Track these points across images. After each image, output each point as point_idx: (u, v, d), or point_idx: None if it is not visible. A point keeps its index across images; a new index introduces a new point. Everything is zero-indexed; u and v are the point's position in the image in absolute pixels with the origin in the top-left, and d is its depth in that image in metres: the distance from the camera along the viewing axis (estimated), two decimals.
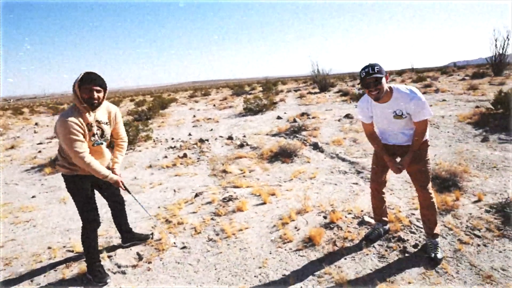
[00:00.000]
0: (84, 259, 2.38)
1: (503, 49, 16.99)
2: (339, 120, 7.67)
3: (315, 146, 5.56)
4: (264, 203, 3.40)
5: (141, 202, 3.64)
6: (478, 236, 2.44)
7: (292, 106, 12.00)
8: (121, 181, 2.27)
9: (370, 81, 1.96)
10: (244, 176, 4.48)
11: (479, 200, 3.01)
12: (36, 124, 14.67)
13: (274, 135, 6.73)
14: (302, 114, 8.88)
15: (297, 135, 6.41)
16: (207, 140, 6.78)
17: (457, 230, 2.54)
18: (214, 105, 15.56)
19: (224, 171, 4.71)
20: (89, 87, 1.96)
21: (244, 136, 6.90)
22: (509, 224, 2.52)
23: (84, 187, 2.20)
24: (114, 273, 2.38)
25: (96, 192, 2.39)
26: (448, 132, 5.70)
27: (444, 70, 28.14)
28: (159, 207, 3.66)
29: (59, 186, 4.80)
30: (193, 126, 9.24)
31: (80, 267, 2.46)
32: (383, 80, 1.97)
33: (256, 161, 5.08)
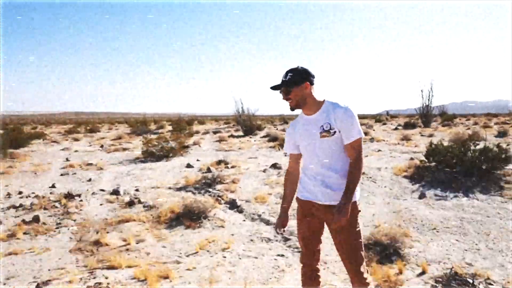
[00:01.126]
0: None
1: (428, 100, 21.00)
2: (264, 171, 7.81)
3: (233, 205, 5.41)
4: None
5: None
6: None
7: (208, 152, 11.97)
8: None
9: (280, 90, 2.12)
10: (127, 249, 3.91)
11: (424, 272, 3.16)
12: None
13: (179, 189, 6.41)
14: (219, 162, 8.87)
15: (210, 190, 6.24)
16: (79, 195, 5.93)
17: None
18: (102, 146, 14.42)
19: (97, 243, 4.04)
20: None
21: (137, 190, 6.36)
22: None
23: None
24: None
25: None
26: (385, 187, 6.27)
27: (378, 118, 33.22)
28: None
29: None
30: (62, 175, 8.16)
31: None
32: (298, 89, 2.08)
33: (149, 226, 4.56)
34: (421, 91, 22.14)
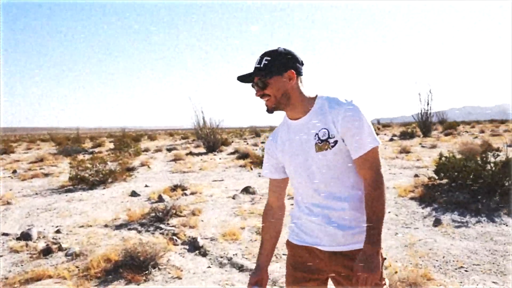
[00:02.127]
0: None
1: (427, 104, 21.58)
2: (233, 197, 7.56)
3: (193, 245, 5.01)
4: None
5: None
6: None
7: (160, 175, 11.57)
8: None
9: (252, 81, 1.79)
10: None
11: None
12: None
13: (119, 227, 5.92)
14: (175, 188, 8.59)
15: (163, 226, 5.81)
16: None
17: None
18: (14, 172, 13.45)
19: None
20: None
21: (58, 232, 5.79)
22: None
23: None
24: None
25: None
26: (389, 212, 6.05)
27: None
28: None
29: None
30: None
31: None
32: (278, 80, 1.73)
33: (73, 284, 3.99)
34: (419, 94, 22.71)
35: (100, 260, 4.37)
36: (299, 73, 1.76)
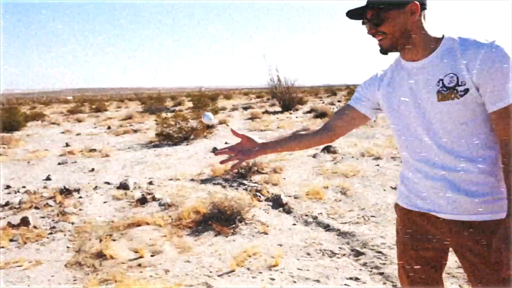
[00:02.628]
0: None
1: None
2: (314, 156, 7.42)
3: (277, 202, 5.01)
4: None
5: None
6: None
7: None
8: None
9: (368, 16, 1.51)
10: (139, 265, 3.57)
11: None
12: None
13: (204, 181, 6.09)
14: None
15: (246, 182, 5.87)
16: (78, 190, 5.72)
17: None
18: (109, 128, 14.50)
19: (100, 255, 3.73)
20: None
21: (151, 183, 6.13)
22: None
23: None
24: None
25: None
26: None
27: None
28: None
29: None
30: (60, 164, 8.10)
31: None
32: (397, 14, 1.44)
33: (167, 232, 4.23)
34: None
35: (190, 211, 4.57)
36: (423, 7, 1.46)
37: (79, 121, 18.97)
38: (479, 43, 1.38)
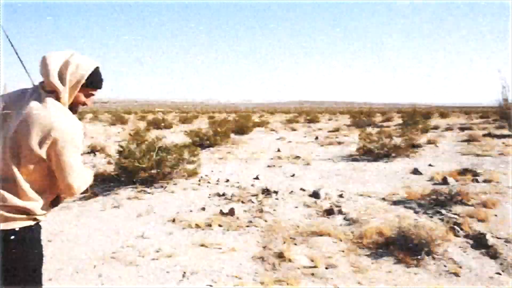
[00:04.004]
0: None
1: None
2: None
3: (479, 241, 4.12)
4: None
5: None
6: None
7: (448, 155, 10.35)
8: None
9: None
10: (312, 274, 3.52)
11: None
12: None
13: (396, 203, 5.62)
14: (464, 172, 7.44)
15: (444, 211, 5.13)
16: (276, 192, 6.09)
17: None
18: (317, 138, 15.04)
19: (281, 256, 3.85)
20: (94, 91, 1.94)
21: (341, 196, 6.00)
22: None
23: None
24: None
25: None
26: None
27: None
28: None
29: None
30: (269, 166, 8.84)
31: None
32: None
33: (346, 248, 4.04)
34: None
35: (373, 232, 4.28)
36: None
37: (293, 129, 20.42)
38: None
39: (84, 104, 1.91)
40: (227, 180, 7.26)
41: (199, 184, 6.89)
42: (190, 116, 34.80)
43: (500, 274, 3.54)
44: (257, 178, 7.49)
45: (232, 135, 14.76)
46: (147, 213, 5.38)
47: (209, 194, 6.22)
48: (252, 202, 5.74)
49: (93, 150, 10.89)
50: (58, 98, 1.76)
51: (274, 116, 43.29)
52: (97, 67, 1.87)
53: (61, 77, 1.75)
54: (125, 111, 61.30)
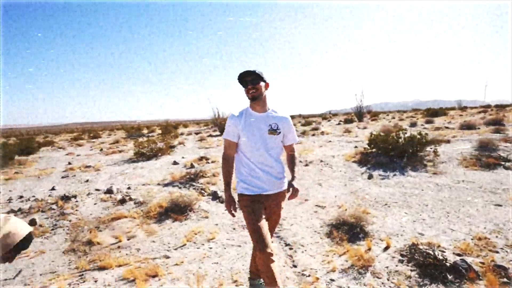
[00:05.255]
0: None
1: (360, 101, 21.37)
2: None
3: (214, 196, 4.80)
4: None
5: None
6: None
7: (191, 150, 11.17)
8: None
9: (248, 79, 1.85)
10: (118, 247, 3.22)
11: (388, 247, 2.78)
12: None
13: (166, 185, 5.66)
14: (201, 158, 8.13)
15: (194, 184, 5.54)
16: (75, 196, 5.06)
17: None
18: (101, 150, 13.13)
19: (90, 243, 3.32)
20: None
21: (129, 188, 5.56)
22: (425, 275, 2.25)
23: None
24: None
25: None
26: (340, 171, 5.94)
27: (324, 116, 33.24)
28: None
29: None
30: (63, 177, 7.12)
31: None
32: (262, 83, 1.86)
33: (140, 222, 3.88)
34: (355, 95, 22.70)
35: (156, 206, 4.26)
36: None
37: (80, 145, 17.03)
38: (279, 114, 1.95)
39: None
40: (21, 197, 5.43)
41: None
42: None
43: (226, 210, 4.30)
44: (53, 189, 5.94)
45: (17, 157, 10.97)
46: None
47: (3, 213, 4.51)
48: (53, 209, 4.56)
49: None
50: None
51: (60, 136, 34.48)
52: None
53: None
54: None
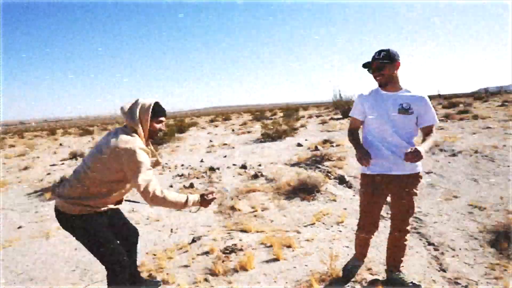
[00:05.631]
0: None
1: None
2: None
3: (341, 180, 4.72)
4: (276, 259, 2.57)
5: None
6: None
7: (313, 132, 11.25)
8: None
9: (373, 66, 1.84)
10: (255, 216, 3.70)
11: None
12: (60, 144, 14.90)
13: (293, 165, 5.95)
14: (325, 142, 8.08)
15: (320, 166, 5.58)
16: (218, 168, 6.11)
17: None
18: (233, 130, 15.16)
19: (233, 208, 3.97)
20: (162, 119, 1.87)
21: (260, 165, 6.18)
22: None
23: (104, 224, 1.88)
24: None
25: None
26: (508, 166, 4.63)
27: (477, 96, 25.54)
28: (147, 253, 2.95)
29: (51, 215, 4.24)
30: (207, 152, 8.70)
31: None
32: (389, 66, 1.80)
33: (271, 197, 4.29)
34: None
35: (285, 184, 4.56)
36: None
37: (216, 126, 20.27)
38: (417, 94, 1.87)
39: (160, 130, 1.86)
40: (182, 165, 7.03)
41: (163, 170, 6.58)
42: None
43: (354, 196, 4.17)
44: (202, 161, 7.38)
45: (177, 134, 14.15)
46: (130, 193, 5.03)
47: (172, 176, 5.99)
48: (204, 176, 5.70)
49: (74, 156, 9.58)
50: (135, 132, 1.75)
51: (200, 118, 42.22)
52: (156, 102, 1.82)
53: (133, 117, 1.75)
54: (87, 124, 53.99)
